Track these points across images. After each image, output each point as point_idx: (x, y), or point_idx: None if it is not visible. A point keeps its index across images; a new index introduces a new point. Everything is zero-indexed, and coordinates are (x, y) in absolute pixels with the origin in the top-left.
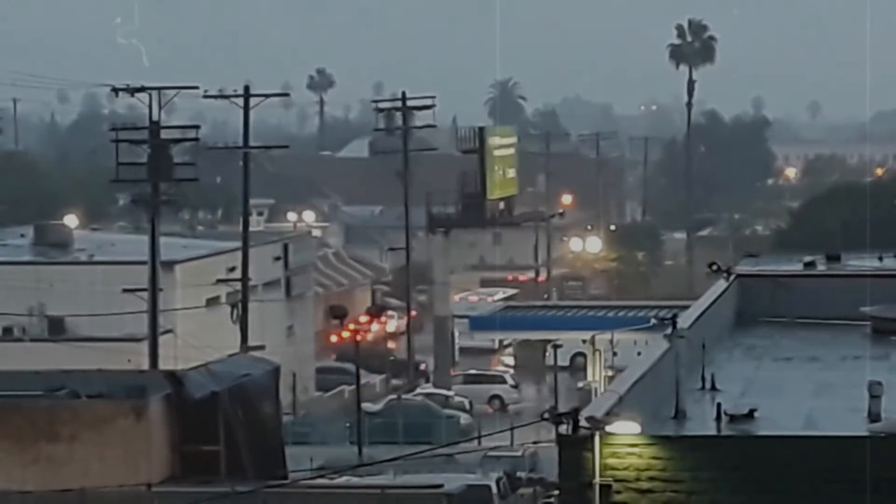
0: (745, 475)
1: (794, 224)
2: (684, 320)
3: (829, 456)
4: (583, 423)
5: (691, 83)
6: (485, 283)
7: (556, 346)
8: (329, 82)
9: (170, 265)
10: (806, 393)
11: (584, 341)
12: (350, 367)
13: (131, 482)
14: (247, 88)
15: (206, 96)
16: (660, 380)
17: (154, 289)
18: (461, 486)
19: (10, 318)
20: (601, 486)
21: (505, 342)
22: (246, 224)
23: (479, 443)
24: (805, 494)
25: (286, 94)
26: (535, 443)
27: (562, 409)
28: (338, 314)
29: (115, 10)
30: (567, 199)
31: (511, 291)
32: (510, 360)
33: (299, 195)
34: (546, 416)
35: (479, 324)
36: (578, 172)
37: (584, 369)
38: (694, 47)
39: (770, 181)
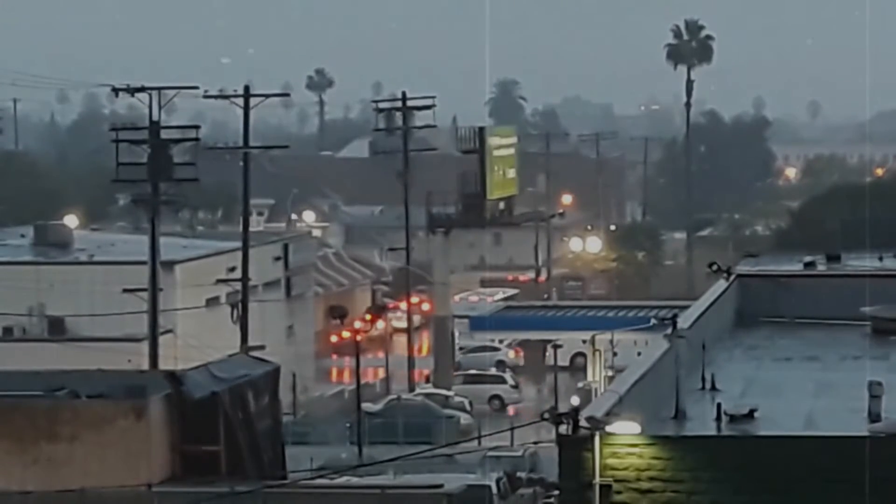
0: (745, 475)
1: (794, 224)
2: (684, 320)
3: (829, 456)
4: (583, 423)
5: (689, 83)
6: (485, 284)
7: (556, 346)
8: (329, 82)
9: (170, 265)
10: (806, 393)
11: (584, 341)
12: None
13: (131, 482)
14: (247, 88)
15: (206, 96)
16: (660, 380)
17: (154, 289)
18: (461, 486)
19: (10, 318)
20: (601, 486)
21: (505, 342)
22: (246, 224)
23: (479, 443)
24: (805, 494)
25: (286, 94)
26: (535, 443)
27: (562, 409)
28: (338, 314)
29: (115, 9)
30: (567, 199)
31: (511, 291)
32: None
33: (299, 195)
34: (546, 416)
35: (479, 324)
36: (578, 172)
37: (584, 369)
38: (691, 47)
39: (770, 181)
